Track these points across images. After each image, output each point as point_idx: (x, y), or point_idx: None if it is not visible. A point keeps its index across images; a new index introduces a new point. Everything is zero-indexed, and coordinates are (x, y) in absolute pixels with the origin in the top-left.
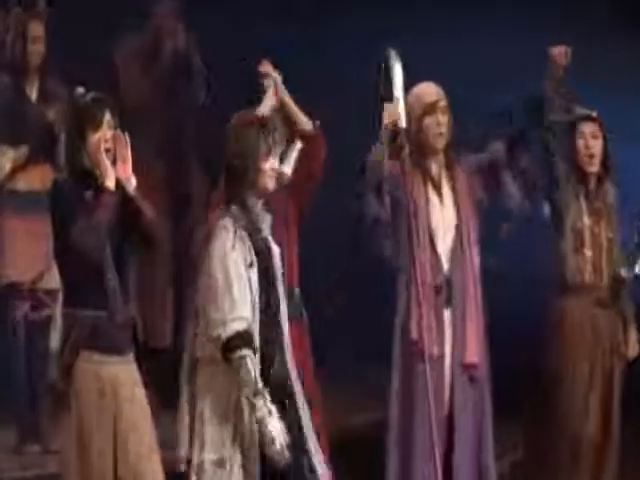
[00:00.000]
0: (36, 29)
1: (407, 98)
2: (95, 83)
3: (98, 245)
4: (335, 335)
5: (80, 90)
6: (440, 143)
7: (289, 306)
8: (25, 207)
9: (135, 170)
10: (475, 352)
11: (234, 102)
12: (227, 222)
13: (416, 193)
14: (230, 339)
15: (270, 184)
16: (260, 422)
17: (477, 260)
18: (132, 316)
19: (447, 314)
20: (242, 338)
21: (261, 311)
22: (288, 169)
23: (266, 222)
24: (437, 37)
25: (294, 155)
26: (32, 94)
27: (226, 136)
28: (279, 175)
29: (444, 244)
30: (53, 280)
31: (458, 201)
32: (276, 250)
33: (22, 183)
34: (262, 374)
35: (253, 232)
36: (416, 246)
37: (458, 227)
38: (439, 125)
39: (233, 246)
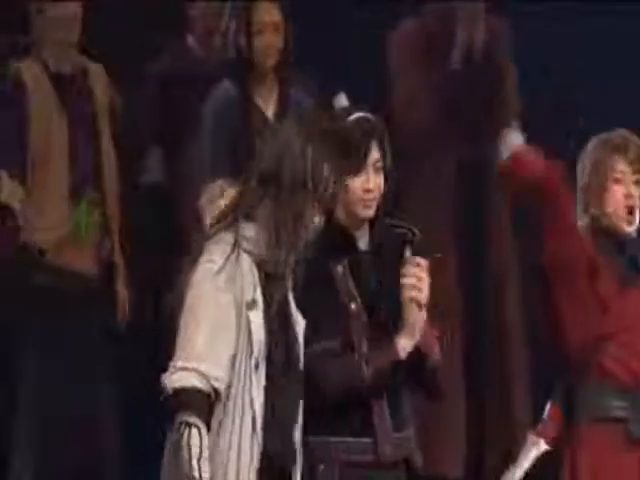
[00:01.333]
0: (267, 12)
1: None
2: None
3: None
4: None
5: (342, 100)
6: None
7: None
8: None
9: None
10: None
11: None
12: (224, 238)
13: None
14: (176, 393)
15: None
16: None
17: None
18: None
19: None
20: (192, 399)
21: (269, 374)
22: None
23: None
24: None
25: None
26: (268, 109)
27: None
28: None
29: None
30: None
31: None
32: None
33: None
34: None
35: (268, 261)
36: None
37: None
38: None
39: (219, 270)
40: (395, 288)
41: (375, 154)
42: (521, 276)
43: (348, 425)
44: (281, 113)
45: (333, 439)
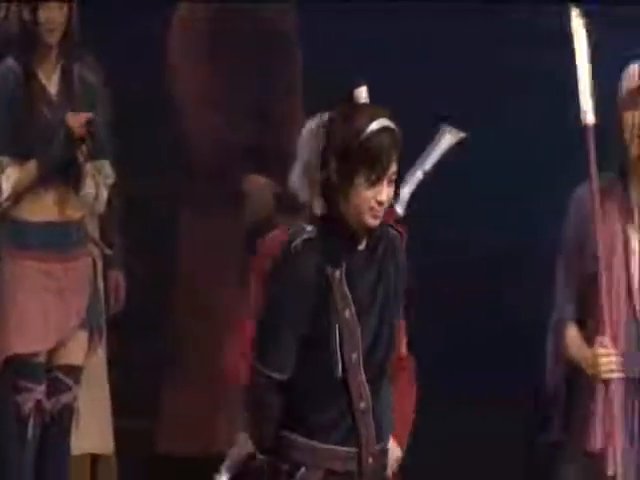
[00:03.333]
0: None
1: None
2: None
3: None
4: None
5: (362, 94)
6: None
7: None
8: (36, 245)
9: None
10: None
11: None
12: None
13: (608, 233)
14: None
15: None
16: None
17: None
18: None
19: None
20: None
21: None
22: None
23: None
24: None
25: None
26: (51, 86)
27: None
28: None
29: None
30: (77, 352)
31: None
32: None
33: (28, 212)
34: None
35: None
36: (607, 308)
37: None
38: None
39: None
40: (389, 287)
41: (394, 167)
42: None
43: (336, 433)
44: (64, 89)
45: (321, 446)
